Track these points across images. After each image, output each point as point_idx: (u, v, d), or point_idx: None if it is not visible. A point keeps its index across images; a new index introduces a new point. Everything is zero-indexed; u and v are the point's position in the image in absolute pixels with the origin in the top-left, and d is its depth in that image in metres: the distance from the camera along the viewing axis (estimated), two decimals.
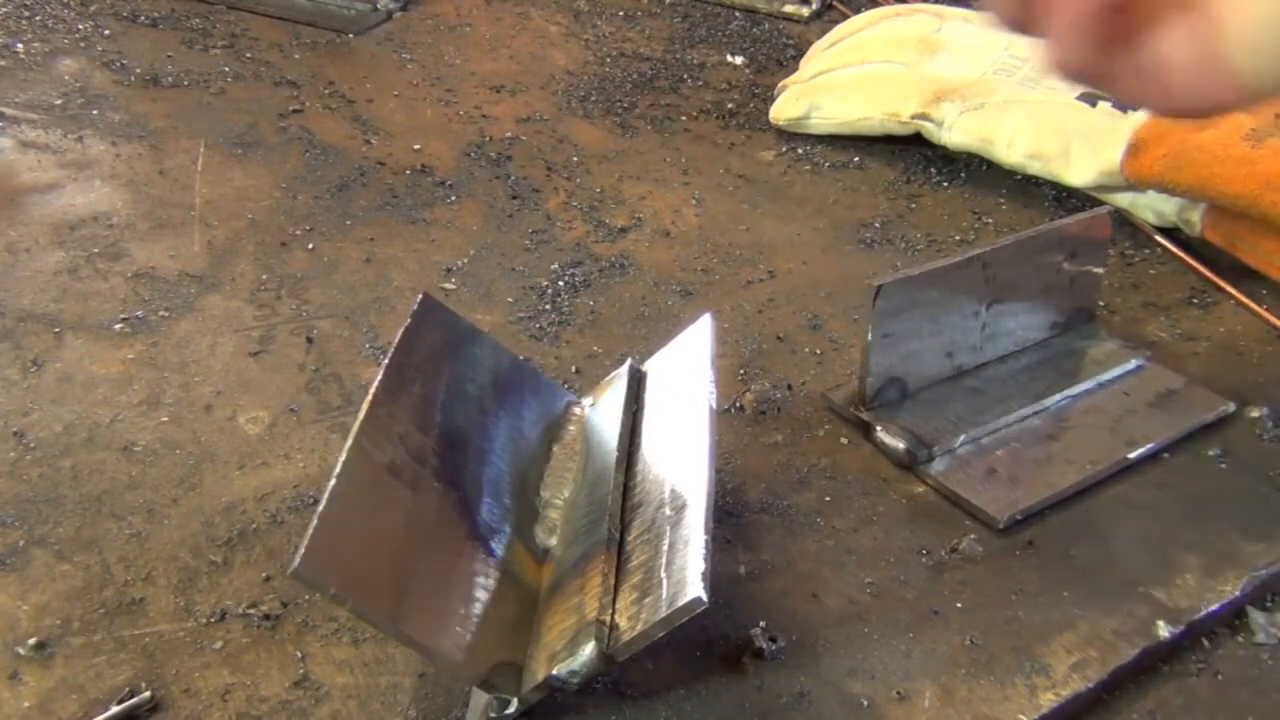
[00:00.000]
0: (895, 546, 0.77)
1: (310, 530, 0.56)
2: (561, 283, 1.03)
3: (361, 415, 0.64)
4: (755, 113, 1.36)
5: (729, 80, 1.45)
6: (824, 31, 1.44)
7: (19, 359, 0.89)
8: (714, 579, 0.59)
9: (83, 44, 1.39)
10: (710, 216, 1.16)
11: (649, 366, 0.82)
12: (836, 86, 1.30)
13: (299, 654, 0.67)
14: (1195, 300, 1.06)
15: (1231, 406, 0.90)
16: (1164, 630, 0.71)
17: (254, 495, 0.79)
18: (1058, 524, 0.80)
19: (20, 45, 1.37)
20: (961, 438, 0.84)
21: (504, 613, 0.65)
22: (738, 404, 0.90)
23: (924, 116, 1.23)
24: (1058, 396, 0.89)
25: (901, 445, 0.83)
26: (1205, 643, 0.73)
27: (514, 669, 0.63)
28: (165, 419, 0.85)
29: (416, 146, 1.24)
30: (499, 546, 0.68)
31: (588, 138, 1.29)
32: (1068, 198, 1.21)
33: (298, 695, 0.65)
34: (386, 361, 0.69)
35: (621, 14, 1.62)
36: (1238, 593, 0.74)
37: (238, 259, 1.04)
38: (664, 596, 0.60)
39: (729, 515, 0.79)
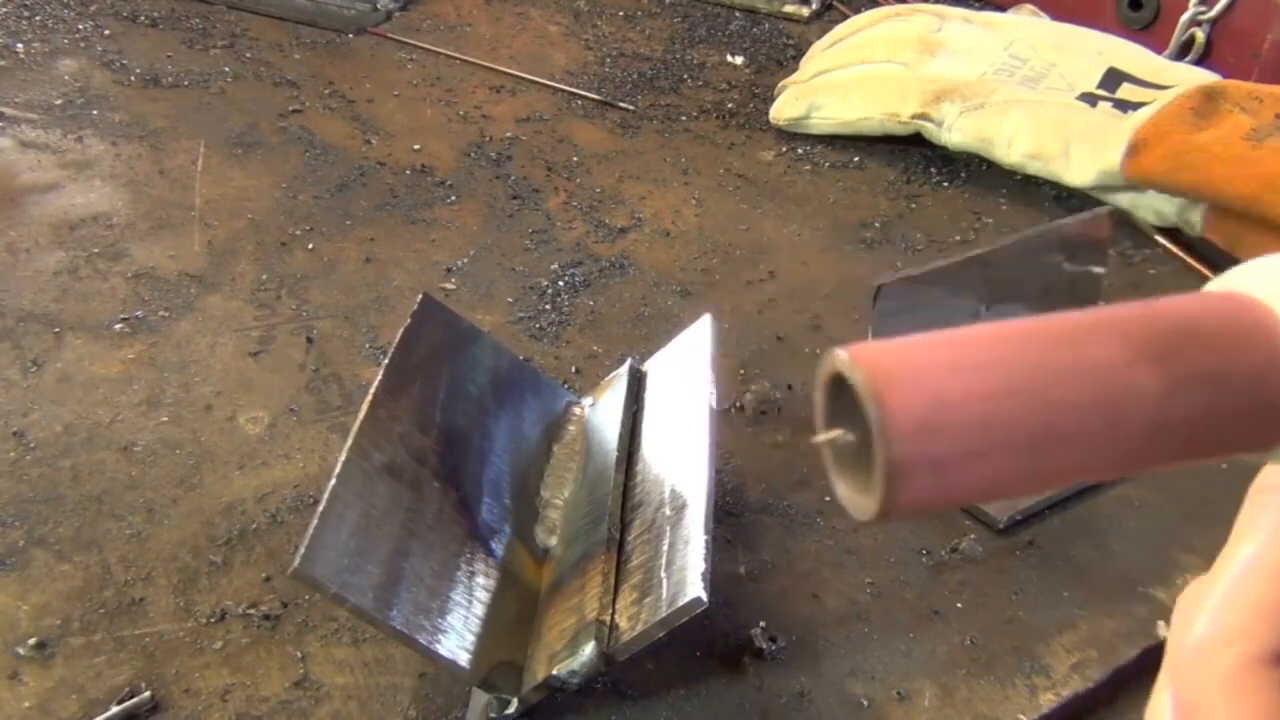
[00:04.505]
0: (895, 546, 0.77)
1: (310, 530, 0.57)
2: (561, 283, 1.03)
3: (361, 415, 0.64)
4: (755, 113, 1.36)
5: (729, 80, 1.45)
6: (824, 31, 1.44)
7: (19, 359, 0.89)
8: (714, 579, 0.59)
9: (83, 44, 1.39)
10: (710, 216, 1.16)
11: (649, 366, 0.82)
12: (836, 86, 1.30)
13: (299, 654, 0.67)
14: None
15: None
16: (1164, 630, 0.71)
17: (254, 495, 0.79)
18: (1058, 524, 0.80)
19: (20, 45, 1.36)
20: None
21: (504, 613, 0.65)
22: (738, 404, 0.89)
23: (924, 116, 1.23)
24: None
25: None
26: None
27: (514, 669, 0.63)
28: (165, 419, 0.85)
29: (416, 146, 1.24)
30: (499, 546, 0.68)
31: (588, 138, 1.29)
32: (1068, 198, 1.21)
33: (298, 695, 0.65)
34: (386, 361, 0.69)
35: (621, 14, 1.62)
36: None
37: (238, 259, 1.04)
38: (664, 596, 0.60)
39: (729, 515, 0.79)
